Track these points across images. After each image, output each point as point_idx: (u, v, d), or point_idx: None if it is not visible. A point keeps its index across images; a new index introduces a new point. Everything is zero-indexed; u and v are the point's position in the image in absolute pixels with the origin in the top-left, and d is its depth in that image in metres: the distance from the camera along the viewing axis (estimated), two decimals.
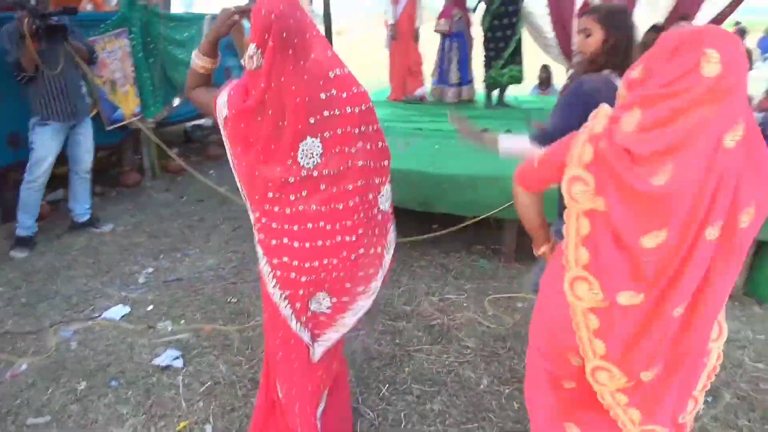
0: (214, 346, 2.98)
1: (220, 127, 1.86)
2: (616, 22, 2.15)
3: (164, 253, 4.12)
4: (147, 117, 5.21)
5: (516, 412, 2.48)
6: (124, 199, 5.19)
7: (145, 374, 2.75)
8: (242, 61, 1.80)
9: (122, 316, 3.27)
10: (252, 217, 1.92)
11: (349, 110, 1.80)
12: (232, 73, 6.60)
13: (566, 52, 7.84)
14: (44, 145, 3.94)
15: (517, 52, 6.64)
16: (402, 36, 6.72)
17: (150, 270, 3.86)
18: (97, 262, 3.96)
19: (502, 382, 2.68)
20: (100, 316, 3.27)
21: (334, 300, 1.94)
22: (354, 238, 1.89)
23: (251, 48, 1.75)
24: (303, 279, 1.89)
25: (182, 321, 3.22)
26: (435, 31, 6.72)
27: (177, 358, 2.86)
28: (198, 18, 6.00)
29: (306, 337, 1.96)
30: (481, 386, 2.65)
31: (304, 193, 1.83)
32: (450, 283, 3.64)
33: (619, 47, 2.12)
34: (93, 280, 3.69)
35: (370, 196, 1.91)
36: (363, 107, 1.84)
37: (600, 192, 1.30)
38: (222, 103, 1.83)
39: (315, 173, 1.80)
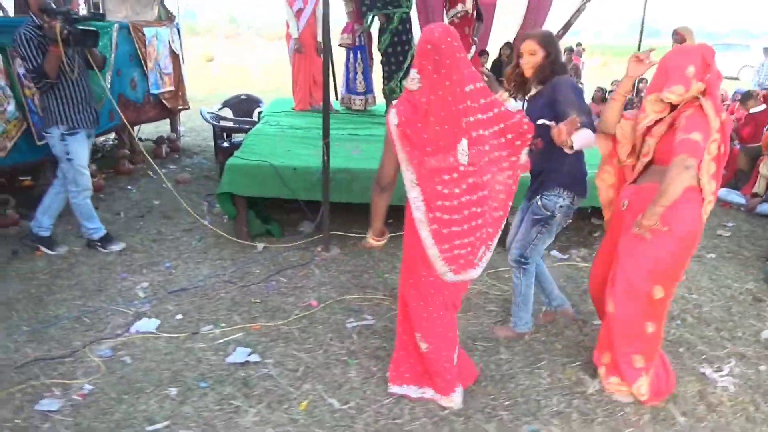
0: (275, 339, 3.11)
1: (391, 133, 2.25)
2: (552, 42, 2.87)
3: (145, 268, 3.97)
4: None
5: (561, 350, 3.08)
6: (59, 220, 4.72)
7: (228, 372, 2.81)
8: (408, 84, 2.24)
9: (156, 328, 3.20)
10: (422, 209, 2.32)
11: (480, 116, 2.30)
12: (137, 83, 6.33)
13: None
14: (82, 152, 3.87)
15: (412, 65, 7.35)
16: (306, 49, 7.01)
17: (144, 284, 3.73)
18: (79, 282, 3.70)
19: (536, 331, 3.25)
20: (125, 332, 3.15)
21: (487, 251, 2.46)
22: (501, 213, 2.41)
23: (413, 72, 2.21)
24: (464, 252, 2.36)
25: (222, 324, 3.26)
26: (339, 45, 7.14)
27: (251, 353, 2.95)
28: None
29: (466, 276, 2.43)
30: (525, 337, 3.20)
31: (463, 186, 2.31)
32: None
33: (557, 59, 2.85)
34: (91, 300, 3.48)
35: (500, 177, 2.40)
36: (490, 114, 2.32)
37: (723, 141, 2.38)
38: (392, 115, 2.26)
39: (469, 168, 2.28)
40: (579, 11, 9.26)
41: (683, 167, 2.25)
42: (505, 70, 3.27)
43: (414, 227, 2.36)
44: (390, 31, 7.05)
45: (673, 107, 2.47)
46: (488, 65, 9.08)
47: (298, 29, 6.92)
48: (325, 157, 4.01)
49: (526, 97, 2.97)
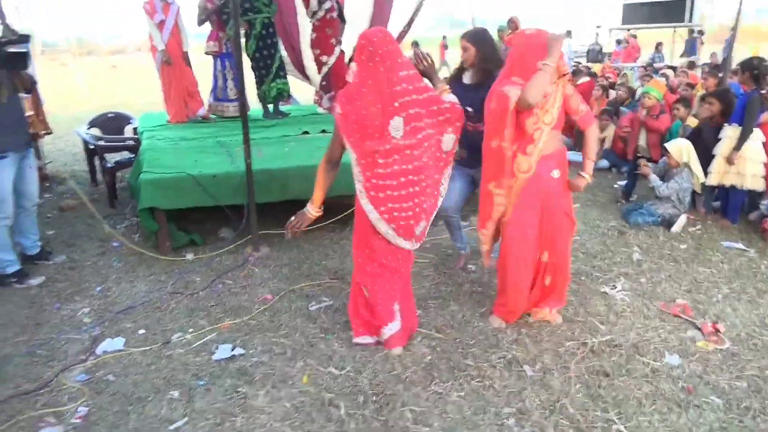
0: (250, 333, 3.28)
1: (337, 121, 2.71)
2: (481, 38, 3.42)
3: (76, 295, 3.84)
4: None
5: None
6: None
7: (220, 368, 2.95)
8: (347, 77, 2.72)
9: (123, 345, 3.20)
10: (361, 180, 2.75)
11: (415, 96, 2.74)
12: None
13: (298, 67, 9.11)
14: (7, 178, 3.63)
15: (281, 68, 7.58)
16: (174, 60, 6.91)
17: (85, 310, 3.63)
18: (11, 321, 3.50)
19: (472, 284, 3.80)
20: (91, 356, 3.11)
21: (426, 221, 2.90)
22: (431, 181, 2.84)
23: (352, 65, 2.63)
24: (404, 215, 2.79)
25: (191, 330, 3.34)
26: (205, 53, 7.13)
27: (234, 348, 3.10)
28: None
29: (408, 245, 2.90)
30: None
31: (396, 156, 2.73)
32: None
33: (491, 55, 3.38)
34: (36, 335, 3.34)
35: (433, 149, 2.84)
36: (424, 95, 2.76)
37: None
38: (336, 107, 2.73)
39: (402, 142, 2.69)
40: (417, 9, 10.13)
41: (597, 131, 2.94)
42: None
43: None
44: (254, 36, 7.19)
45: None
46: (345, 61, 9.56)
47: (163, 41, 6.81)
48: (248, 160, 4.18)
49: (465, 83, 3.46)
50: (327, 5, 7.36)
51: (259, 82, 7.47)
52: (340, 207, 4.82)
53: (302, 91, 9.98)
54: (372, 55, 2.64)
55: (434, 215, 2.97)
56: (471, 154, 3.43)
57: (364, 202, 2.80)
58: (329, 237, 4.71)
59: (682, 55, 13.84)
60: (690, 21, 13.27)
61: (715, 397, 2.63)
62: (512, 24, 8.14)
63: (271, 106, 7.63)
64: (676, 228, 4.70)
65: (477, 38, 3.33)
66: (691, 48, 13.92)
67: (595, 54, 15.43)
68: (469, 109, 3.22)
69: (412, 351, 3.03)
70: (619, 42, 16.18)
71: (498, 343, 3.11)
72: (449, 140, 2.89)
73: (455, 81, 3.50)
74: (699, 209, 5.13)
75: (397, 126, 2.69)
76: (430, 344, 3.09)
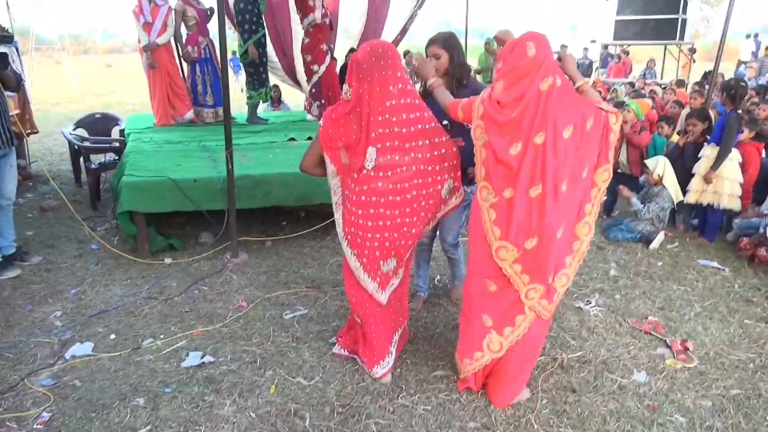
0: (221, 340, 3.27)
1: (319, 134, 2.70)
2: (453, 43, 3.23)
3: (50, 298, 3.81)
4: None
5: None
6: None
7: (188, 375, 2.93)
8: (344, 95, 2.65)
9: (92, 350, 3.18)
10: (338, 194, 2.76)
11: (396, 130, 2.62)
12: None
13: (289, 73, 9.12)
14: None
15: (266, 74, 7.61)
16: (160, 63, 6.89)
17: (58, 313, 3.61)
18: None
19: (447, 297, 3.81)
20: (59, 360, 3.09)
21: (398, 260, 2.81)
22: (415, 219, 2.75)
23: (345, 87, 2.59)
24: (368, 244, 2.72)
25: (162, 336, 3.32)
26: (184, 59, 7.08)
27: (204, 355, 3.09)
28: None
29: (371, 286, 2.80)
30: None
31: (365, 187, 2.66)
32: None
33: (461, 61, 3.22)
34: (5, 336, 3.31)
35: (424, 192, 2.74)
36: (412, 129, 2.66)
37: (487, 131, 2.39)
38: (321, 120, 2.69)
39: (372, 173, 2.65)
40: (412, 17, 10.19)
41: None
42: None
43: None
44: (256, 42, 7.16)
45: None
46: (336, 70, 9.58)
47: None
48: (230, 166, 4.18)
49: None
50: (318, 14, 7.32)
51: (252, 87, 7.44)
52: (321, 215, 4.84)
53: (293, 96, 10.00)
54: (361, 82, 2.56)
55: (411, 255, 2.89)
56: None
57: (337, 216, 2.78)
58: (309, 245, 4.70)
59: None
60: (681, 39, 13.38)
61: (679, 416, 2.65)
62: (498, 40, 8.16)
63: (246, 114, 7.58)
64: (654, 245, 4.74)
65: (449, 44, 3.13)
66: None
67: (585, 69, 15.57)
68: (446, 122, 3.21)
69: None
70: (611, 57, 16.39)
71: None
72: (447, 188, 2.81)
73: (427, 95, 3.45)
74: (678, 227, 5.17)
75: (370, 157, 2.60)
76: (401, 356, 3.09)
